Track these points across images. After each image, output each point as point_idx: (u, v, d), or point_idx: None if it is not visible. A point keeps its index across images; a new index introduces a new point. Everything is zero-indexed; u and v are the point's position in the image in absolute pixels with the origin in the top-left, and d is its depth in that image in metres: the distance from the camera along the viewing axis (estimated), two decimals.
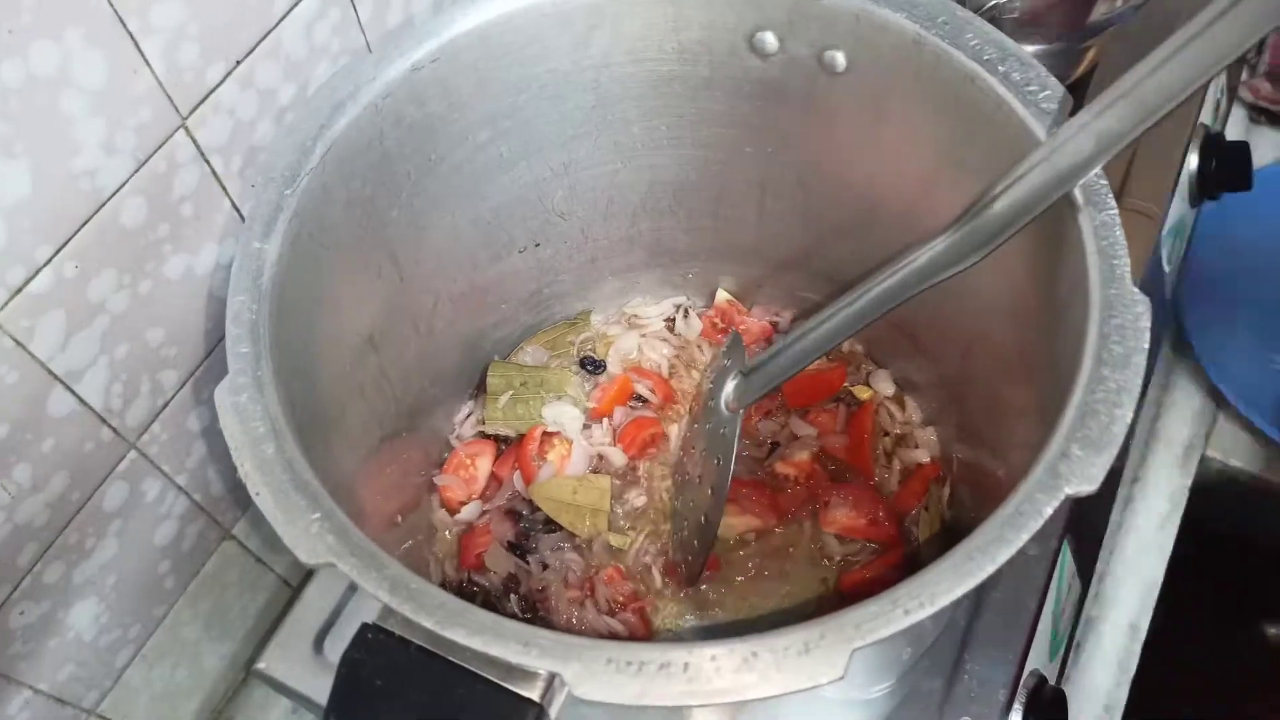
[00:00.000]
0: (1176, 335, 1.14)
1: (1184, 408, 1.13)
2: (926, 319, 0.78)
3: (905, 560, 0.78)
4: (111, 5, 0.54)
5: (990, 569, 0.44)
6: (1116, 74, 0.52)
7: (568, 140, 0.75)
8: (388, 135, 0.65)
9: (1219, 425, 1.12)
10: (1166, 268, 1.04)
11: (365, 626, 0.47)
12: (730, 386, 0.75)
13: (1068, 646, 0.88)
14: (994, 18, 0.83)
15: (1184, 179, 1.04)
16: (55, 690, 0.73)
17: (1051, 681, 0.74)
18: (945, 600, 0.43)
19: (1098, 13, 0.89)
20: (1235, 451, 1.11)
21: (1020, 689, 0.70)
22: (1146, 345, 0.49)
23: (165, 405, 0.72)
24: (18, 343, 0.58)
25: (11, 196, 0.53)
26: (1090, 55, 0.93)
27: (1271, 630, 1.37)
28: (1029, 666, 0.71)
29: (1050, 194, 0.54)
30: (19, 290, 0.56)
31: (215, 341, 0.73)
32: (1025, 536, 0.45)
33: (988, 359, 0.69)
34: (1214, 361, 1.10)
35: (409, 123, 0.66)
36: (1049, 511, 0.45)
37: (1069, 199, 0.54)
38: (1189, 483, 1.09)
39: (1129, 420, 0.47)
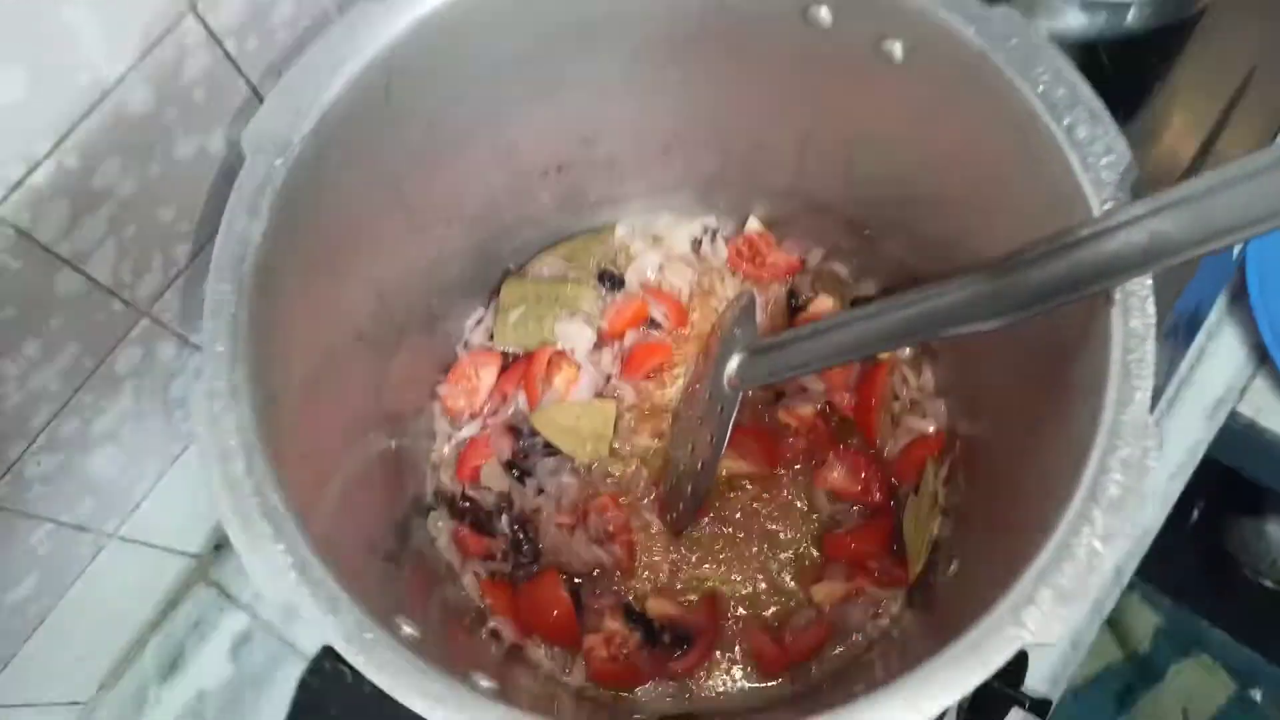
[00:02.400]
0: (1238, 283, 1.07)
1: (1225, 359, 1.09)
2: None
3: (890, 532, 0.79)
4: None
5: (933, 710, 0.45)
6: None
7: (596, 82, 0.70)
8: (394, 90, 0.60)
9: (1255, 383, 1.08)
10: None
11: (325, 652, 0.49)
12: (735, 362, 0.72)
13: None
14: None
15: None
16: (76, 521, 0.78)
17: None
18: None
19: None
20: (1267, 411, 1.08)
21: None
22: (1146, 490, 0.46)
23: (178, 274, 0.72)
24: (20, 231, 0.57)
25: (4, 101, 0.52)
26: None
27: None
28: None
29: (1088, 284, 0.50)
30: (18, 184, 0.55)
31: None
32: (973, 683, 0.45)
33: (999, 389, 0.66)
34: (1267, 313, 1.05)
35: (418, 73, 0.61)
36: (999, 662, 0.45)
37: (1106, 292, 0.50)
38: (1211, 437, 1.07)
39: (1108, 571, 0.45)
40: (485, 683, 0.50)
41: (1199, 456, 1.06)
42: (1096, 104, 0.52)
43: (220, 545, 0.98)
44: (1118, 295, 0.50)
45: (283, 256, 0.55)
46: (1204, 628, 1.58)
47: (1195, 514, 1.65)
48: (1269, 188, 0.44)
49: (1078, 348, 0.53)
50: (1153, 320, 0.49)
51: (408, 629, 0.51)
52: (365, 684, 0.48)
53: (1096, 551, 0.46)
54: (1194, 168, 0.90)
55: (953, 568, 0.67)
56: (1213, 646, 1.64)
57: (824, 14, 0.61)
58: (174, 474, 0.85)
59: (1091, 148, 0.52)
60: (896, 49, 0.60)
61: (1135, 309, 0.49)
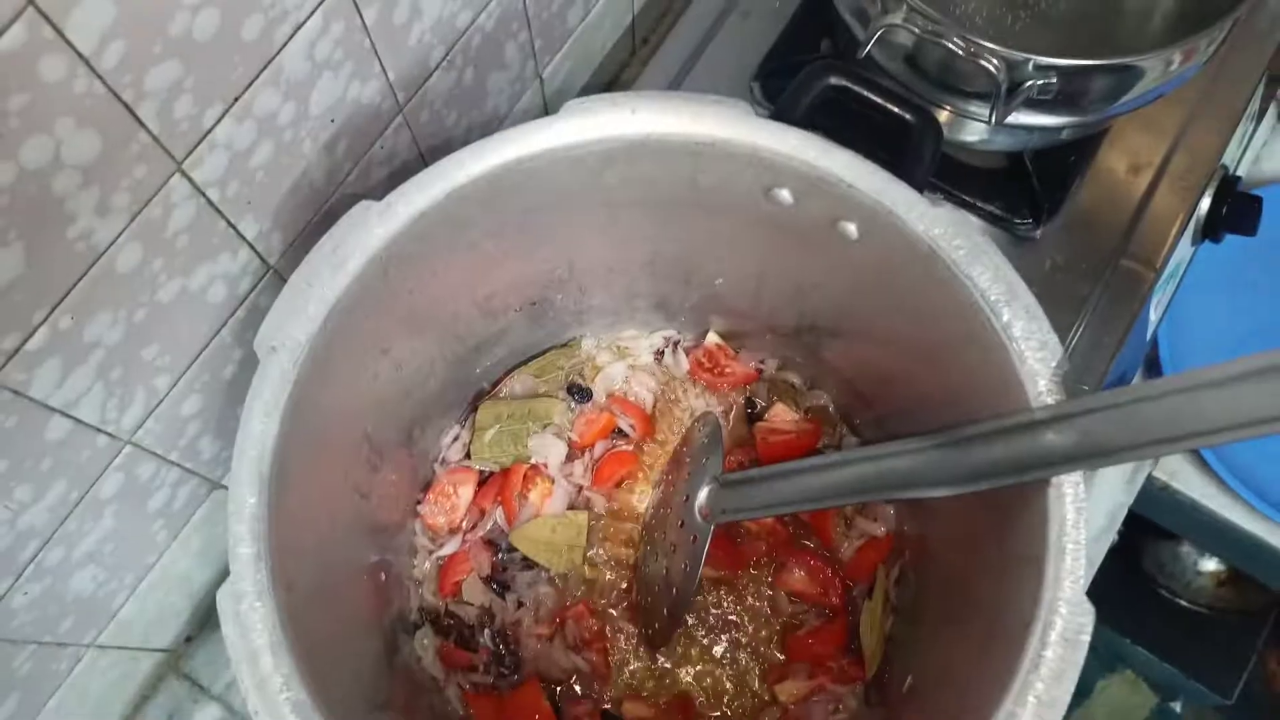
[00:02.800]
0: (1149, 366, 1.16)
1: None
2: (895, 422, 0.80)
3: (846, 631, 0.85)
4: (105, 83, 0.52)
5: None
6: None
7: (573, 238, 0.74)
8: (391, 274, 0.64)
9: None
10: (1153, 316, 1.05)
11: None
12: (705, 493, 0.78)
13: None
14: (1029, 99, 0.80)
15: (1193, 221, 1.03)
16: (57, 639, 0.81)
17: None
18: None
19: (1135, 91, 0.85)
20: (1180, 475, 1.16)
21: None
22: (1081, 660, 0.53)
23: (159, 403, 0.75)
24: (16, 393, 0.60)
25: (4, 279, 0.54)
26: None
27: None
28: None
29: (1025, 470, 0.56)
30: (15, 352, 0.58)
31: (208, 340, 0.75)
32: None
33: (946, 516, 0.73)
34: None
35: (413, 255, 0.65)
36: None
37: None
38: (1131, 500, 1.16)
39: None
40: None
41: (1119, 520, 1.15)
42: (1031, 301, 0.59)
43: (191, 638, 1.00)
44: (1054, 480, 0.56)
45: (293, 448, 0.59)
46: (1127, 645, 1.68)
47: (1115, 539, 1.75)
48: (1193, 406, 0.50)
49: (1018, 516, 0.60)
50: (1084, 506, 0.55)
51: None
52: None
53: (1041, 718, 0.52)
54: (1120, 250, 0.96)
55: (908, 683, 0.74)
56: (1136, 663, 1.75)
57: (785, 195, 0.66)
58: (149, 580, 0.88)
59: (1028, 342, 0.58)
60: (851, 229, 0.65)
61: (1069, 495, 0.56)
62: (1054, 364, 0.58)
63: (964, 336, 0.62)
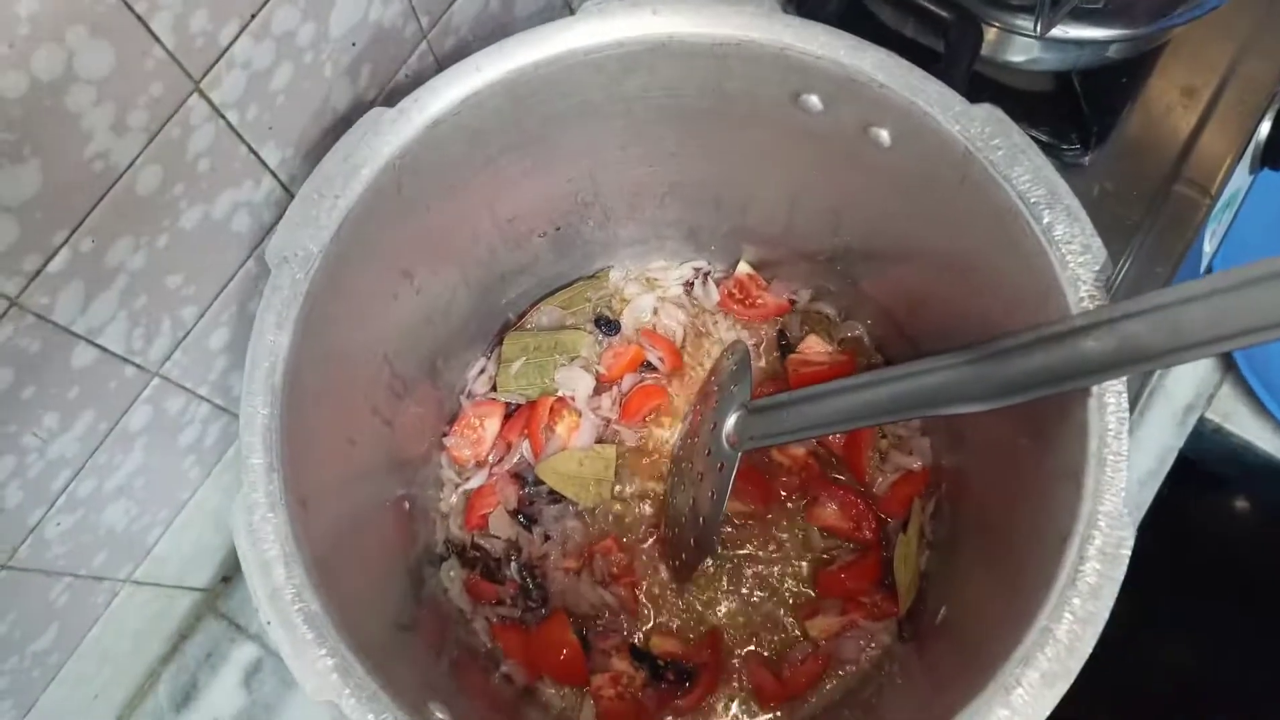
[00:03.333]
0: None
1: (1193, 367, 1.13)
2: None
3: (880, 566, 0.83)
4: None
5: None
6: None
7: (595, 152, 0.72)
8: (405, 185, 0.62)
9: (1222, 390, 1.13)
10: (1208, 248, 1.01)
11: None
12: (733, 420, 0.76)
13: None
14: (1077, 8, 0.77)
15: (1250, 147, 0.99)
16: (93, 572, 0.81)
17: None
18: None
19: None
20: (1234, 418, 1.12)
21: None
22: (1121, 576, 0.50)
23: (186, 335, 0.75)
24: (39, 317, 0.60)
25: (22, 196, 0.53)
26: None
27: None
28: None
29: (1065, 380, 0.54)
30: (36, 274, 0.58)
31: (234, 271, 0.74)
32: None
33: (984, 447, 0.70)
34: None
35: (428, 167, 0.63)
36: None
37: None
38: (1181, 444, 1.12)
39: (1087, 654, 0.50)
40: None
41: (1169, 463, 1.11)
42: (1074, 203, 0.55)
43: (228, 578, 1.01)
44: (1094, 390, 0.53)
45: (307, 362, 0.58)
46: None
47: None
48: (1240, 303, 0.47)
49: (1057, 432, 0.57)
50: (1126, 416, 0.53)
51: (440, 715, 0.55)
52: None
53: (1077, 635, 0.50)
54: (1173, 176, 0.92)
55: (941, 614, 0.71)
56: None
57: (814, 100, 0.63)
58: (183, 517, 0.88)
59: (1069, 246, 0.55)
60: (883, 135, 0.62)
61: (1111, 405, 0.53)
62: (1097, 268, 0.54)
63: (1003, 244, 0.59)
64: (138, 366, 0.71)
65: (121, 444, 0.74)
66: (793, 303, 0.90)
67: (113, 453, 0.74)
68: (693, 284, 0.92)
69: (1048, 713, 0.49)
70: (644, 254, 0.90)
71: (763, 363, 0.90)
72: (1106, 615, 0.50)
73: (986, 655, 0.53)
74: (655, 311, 0.91)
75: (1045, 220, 0.56)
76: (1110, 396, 0.53)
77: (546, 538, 0.85)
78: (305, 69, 0.66)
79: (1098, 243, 0.55)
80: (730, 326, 0.91)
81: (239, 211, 0.70)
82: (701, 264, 0.92)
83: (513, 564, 0.84)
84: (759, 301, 0.90)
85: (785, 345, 0.90)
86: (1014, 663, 0.50)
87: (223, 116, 0.64)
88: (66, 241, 0.58)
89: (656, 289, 0.92)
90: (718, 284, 0.91)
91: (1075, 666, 0.50)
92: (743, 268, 0.90)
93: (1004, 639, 0.52)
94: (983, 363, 0.58)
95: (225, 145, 0.65)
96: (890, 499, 0.85)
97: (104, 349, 0.66)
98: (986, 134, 0.57)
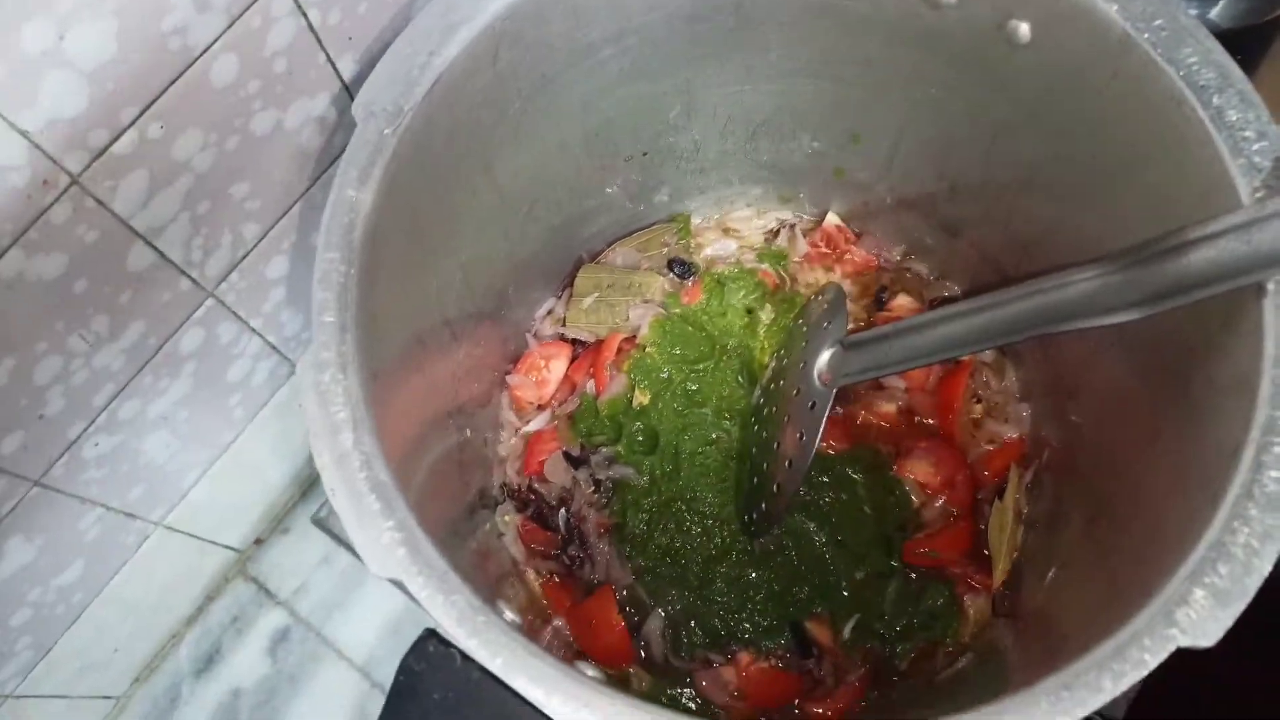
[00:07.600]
0: None
1: None
2: None
3: (972, 536, 0.76)
4: None
5: (1080, 713, 0.42)
6: None
7: (695, 58, 0.68)
8: (502, 57, 0.58)
9: None
10: None
11: (428, 634, 0.46)
12: (826, 357, 0.70)
13: None
14: None
15: None
16: (125, 507, 0.76)
17: None
18: None
19: None
20: None
21: None
22: None
23: (245, 255, 0.71)
24: (100, 202, 0.56)
25: (96, 59, 0.50)
26: None
27: None
28: None
29: (1236, 275, 0.48)
30: (102, 152, 0.54)
31: (299, 194, 0.71)
32: (1122, 687, 0.42)
33: (1103, 392, 0.64)
34: None
35: (528, 42, 0.59)
36: (1153, 664, 0.42)
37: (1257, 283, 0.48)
38: None
39: (1266, 573, 0.43)
40: (592, 671, 0.48)
41: None
42: (1248, 87, 0.50)
43: (260, 540, 0.96)
44: (1270, 286, 0.48)
45: (387, 228, 0.53)
46: None
47: None
48: None
49: (1217, 344, 0.51)
50: None
51: (509, 614, 0.49)
52: (472, 668, 0.45)
53: (1255, 550, 0.43)
54: None
55: (1050, 575, 0.65)
56: None
57: None
58: (222, 463, 0.84)
59: (1243, 133, 0.50)
60: (1023, 30, 0.57)
61: None
62: (1276, 155, 0.49)
63: (1155, 144, 0.54)
64: (194, 281, 0.67)
65: (169, 366, 0.70)
66: (882, 259, 0.85)
67: (159, 374, 0.70)
68: (777, 232, 0.86)
69: (1222, 632, 0.42)
70: (727, 199, 0.86)
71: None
72: None
73: (1125, 597, 0.46)
74: (736, 259, 0.85)
75: (1215, 105, 0.50)
76: None
77: (596, 483, 0.79)
78: None
79: (1274, 130, 0.50)
80: (818, 275, 0.85)
81: (310, 126, 0.66)
82: (786, 216, 0.87)
83: (562, 513, 0.78)
84: (846, 255, 0.85)
85: (878, 302, 0.84)
86: (1179, 579, 0.44)
87: (304, 14, 0.60)
88: (135, 121, 0.54)
89: (737, 238, 0.86)
90: (805, 236, 0.86)
91: (1253, 586, 0.43)
92: (831, 219, 0.85)
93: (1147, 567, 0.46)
94: (1135, 267, 0.52)
95: (303, 47, 0.61)
96: (985, 467, 0.78)
97: (162, 254, 0.62)
98: (1147, 13, 0.52)
